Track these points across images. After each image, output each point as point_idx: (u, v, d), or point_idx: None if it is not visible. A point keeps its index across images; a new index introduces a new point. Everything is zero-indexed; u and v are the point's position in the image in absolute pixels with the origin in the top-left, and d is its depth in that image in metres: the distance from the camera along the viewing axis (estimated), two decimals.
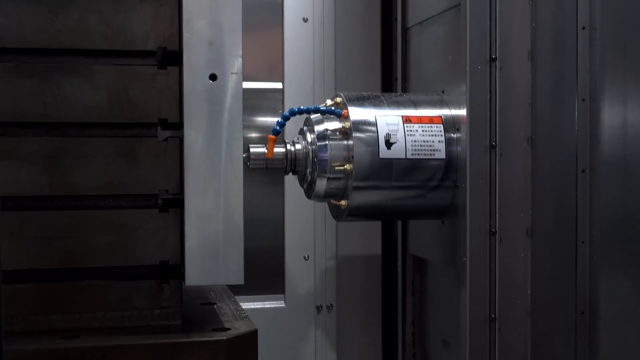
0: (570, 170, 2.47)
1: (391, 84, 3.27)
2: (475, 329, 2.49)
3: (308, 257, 3.35)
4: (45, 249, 2.01)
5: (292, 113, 2.53)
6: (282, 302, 3.37)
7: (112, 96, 2.04)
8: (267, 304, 3.35)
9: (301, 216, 3.34)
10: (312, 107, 2.57)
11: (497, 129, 2.48)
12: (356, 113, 2.54)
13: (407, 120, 2.54)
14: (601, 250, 2.45)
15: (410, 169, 2.52)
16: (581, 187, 2.47)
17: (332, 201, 2.60)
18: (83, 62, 2.03)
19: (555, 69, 2.50)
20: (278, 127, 2.51)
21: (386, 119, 2.53)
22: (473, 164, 2.48)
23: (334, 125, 2.55)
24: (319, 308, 3.36)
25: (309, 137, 2.57)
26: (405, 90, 3.12)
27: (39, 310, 2.02)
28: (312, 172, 2.56)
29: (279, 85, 3.33)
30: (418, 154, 2.52)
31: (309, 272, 3.34)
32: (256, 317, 2.39)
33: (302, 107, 2.55)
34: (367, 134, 2.51)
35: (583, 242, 2.46)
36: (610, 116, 2.44)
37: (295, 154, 2.57)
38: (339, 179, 2.52)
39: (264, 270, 3.36)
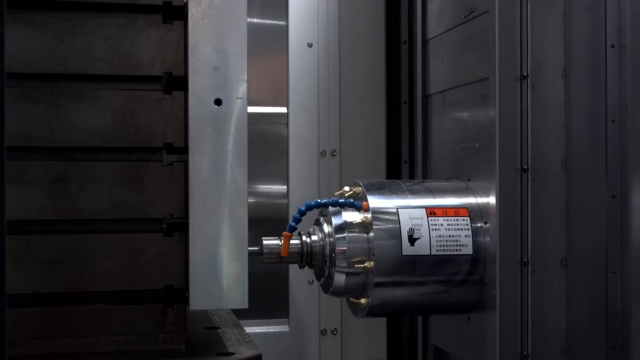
0: (604, 195, 2.33)
1: (398, 109, 3.27)
2: None
3: (312, 281, 3.34)
4: (50, 272, 2.02)
5: (309, 207, 2.39)
6: (287, 326, 3.36)
7: (117, 121, 2.05)
8: (272, 328, 3.34)
9: None
10: (329, 200, 2.41)
11: (529, 152, 2.33)
12: (376, 204, 2.38)
13: (431, 213, 2.38)
14: (633, 280, 2.30)
15: (435, 266, 2.37)
16: (611, 213, 2.33)
17: (352, 299, 2.44)
18: (89, 87, 2.05)
19: (592, 87, 2.35)
20: (294, 224, 2.37)
21: (409, 212, 2.37)
22: (503, 190, 2.33)
23: (352, 216, 2.38)
24: (323, 332, 3.35)
25: (326, 228, 2.40)
26: (425, 170, 2.96)
27: (43, 334, 2.02)
28: (329, 267, 2.39)
29: (283, 109, 3.34)
30: (443, 250, 2.36)
31: (313, 296, 3.32)
32: (260, 341, 2.39)
33: (319, 201, 2.41)
34: (389, 225, 2.35)
35: (614, 272, 2.32)
36: None
37: (311, 246, 2.41)
38: (359, 274, 2.36)
39: (269, 294, 3.35)
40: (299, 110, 3.32)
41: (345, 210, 2.41)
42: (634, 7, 2.30)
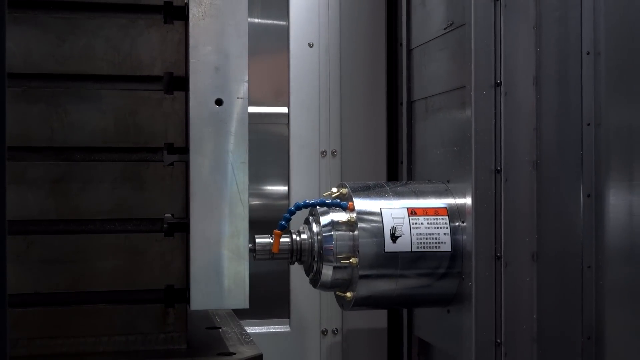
0: (575, 194, 2.45)
1: (396, 109, 3.28)
2: (481, 354, 2.47)
3: None
4: (51, 272, 2.02)
5: (298, 207, 2.56)
6: (288, 326, 3.36)
7: (118, 121, 2.05)
8: (273, 328, 3.34)
9: None
10: (317, 200, 2.58)
11: (503, 154, 2.48)
12: (361, 205, 2.54)
13: (412, 212, 2.55)
14: (607, 275, 2.41)
15: (415, 261, 2.53)
16: (587, 211, 2.43)
17: (338, 293, 2.61)
18: (90, 87, 2.05)
19: (561, 93, 2.50)
20: (284, 222, 2.53)
21: (391, 212, 2.54)
22: (478, 190, 2.47)
23: (339, 216, 2.55)
24: (324, 332, 3.35)
25: (315, 227, 2.57)
26: (410, 171, 3.12)
27: (44, 334, 2.02)
28: (317, 263, 2.55)
29: (284, 110, 3.35)
30: (423, 247, 2.52)
31: (314, 296, 3.33)
32: (261, 341, 2.39)
33: (307, 201, 2.57)
34: (373, 224, 2.52)
35: (589, 267, 2.43)
36: (616, 140, 2.41)
37: (300, 244, 2.56)
38: (345, 268, 2.52)
39: (269, 294, 3.35)
40: (300, 110, 3.33)
41: (333, 210, 2.58)
42: (607, 18, 2.42)
